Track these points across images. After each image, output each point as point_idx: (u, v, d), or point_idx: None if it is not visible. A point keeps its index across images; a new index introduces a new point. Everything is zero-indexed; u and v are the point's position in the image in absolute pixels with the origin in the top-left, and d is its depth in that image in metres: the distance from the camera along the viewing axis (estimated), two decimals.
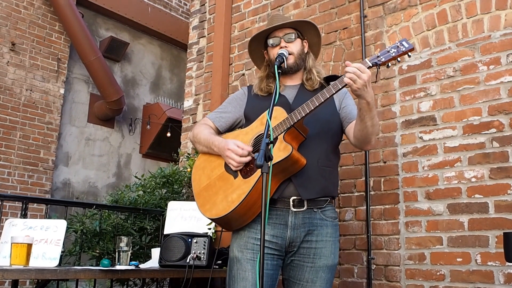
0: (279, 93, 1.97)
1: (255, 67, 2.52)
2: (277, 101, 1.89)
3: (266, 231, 1.92)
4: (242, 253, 1.96)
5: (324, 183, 2.00)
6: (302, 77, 2.15)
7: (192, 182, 2.14)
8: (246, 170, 1.95)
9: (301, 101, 1.94)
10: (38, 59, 6.54)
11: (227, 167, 2.03)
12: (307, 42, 2.19)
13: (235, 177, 1.97)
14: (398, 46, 1.82)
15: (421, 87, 2.96)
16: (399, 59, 1.84)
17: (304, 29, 2.17)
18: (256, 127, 2.04)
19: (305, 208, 1.96)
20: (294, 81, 2.15)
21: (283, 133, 1.90)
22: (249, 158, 1.93)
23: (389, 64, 1.86)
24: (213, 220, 2.03)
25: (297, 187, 1.95)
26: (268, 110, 1.81)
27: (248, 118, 2.15)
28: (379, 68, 1.85)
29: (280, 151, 1.86)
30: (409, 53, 1.83)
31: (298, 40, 2.13)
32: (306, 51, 2.17)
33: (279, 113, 1.94)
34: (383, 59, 1.83)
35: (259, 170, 1.83)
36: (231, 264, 2.01)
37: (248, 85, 2.38)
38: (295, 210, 1.96)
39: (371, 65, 1.83)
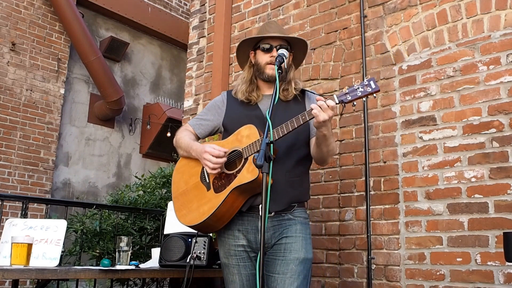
0: (255, 104, 2.16)
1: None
2: (252, 112, 2.10)
3: (240, 237, 2.08)
4: (228, 259, 2.12)
5: (292, 193, 2.09)
6: (280, 86, 2.18)
7: (172, 184, 2.28)
8: (218, 184, 2.06)
9: (275, 114, 2.02)
10: (38, 59, 6.55)
11: (202, 177, 2.14)
12: (292, 55, 2.24)
13: (208, 189, 2.09)
14: (365, 85, 1.89)
15: (421, 87, 2.96)
16: (364, 99, 1.92)
17: (294, 44, 2.24)
18: (232, 142, 2.11)
19: (272, 214, 2.05)
20: (271, 90, 2.18)
21: (253, 154, 1.98)
22: (224, 159, 2.04)
23: (355, 103, 1.94)
24: (186, 225, 2.17)
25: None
26: (247, 126, 1.99)
27: (226, 129, 2.23)
28: (344, 106, 1.94)
29: (248, 173, 1.95)
30: (374, 95, 1.90)
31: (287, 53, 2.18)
32: (290, 64, 2.22)
33: (253, 133, 2.03)
34: (349, 98, 1.90)
35: (229, 187, 1.99)
36: (222, 268, 2.19)
37: (227, 90, 2.43)
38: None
39: (338, 102, 1.91)
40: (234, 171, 2.03)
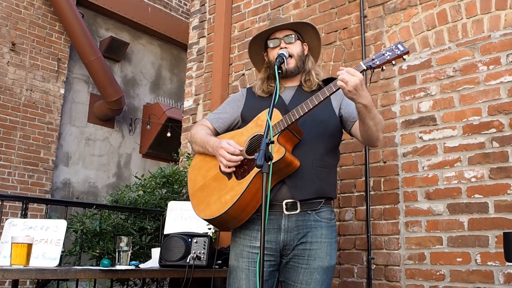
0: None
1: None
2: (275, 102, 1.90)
3: (258, 237, 1.92)
4: (238, 262, 1.99)
5: (318, 184, 1.97)
6: (301, 78, 2.14)
7: (188, 182, 2.15)
8: (240, 171, 1.95)
9: (297, 103, 1.94)
10: (38, 59, 6.54)
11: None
12: (307, 45, 2.19)
13: (229, 178, 1.97)
14: (393, 49, 1.81)
15: (421, 87, 2.96)
16: (394, 62, 1.82)
17: (304, 32, 2.17)
18: (252, 128, 2.04)
19: (298, 211, 1.95)
20: (293, 82, 2.15)
21: (277, 135, 1.90)
22: (240, 158, 1.93)
23: (384, 67, 1.84)
24: (207, 220, 2.02)
25: (290, 188, 1.95)
26: (268, 110, 1.81)
27: (245, 119, 2.15)
28: (373, 71, 1.84)
29: (274, 153, 1.84)
30: (404, 56, 1.81)
31: (298, 42, 2.13)
32: (306, 54, 2.17)
33: (274, 115, 1.92)
34: (377, 62, 1.81)
35: (253, 172, 1.87)
36: (229, 271, 2.05)
37: (248, 86, 2.38)
38: (288, 213, 1.95)
39: (365, 68, 1.82)
40: None
